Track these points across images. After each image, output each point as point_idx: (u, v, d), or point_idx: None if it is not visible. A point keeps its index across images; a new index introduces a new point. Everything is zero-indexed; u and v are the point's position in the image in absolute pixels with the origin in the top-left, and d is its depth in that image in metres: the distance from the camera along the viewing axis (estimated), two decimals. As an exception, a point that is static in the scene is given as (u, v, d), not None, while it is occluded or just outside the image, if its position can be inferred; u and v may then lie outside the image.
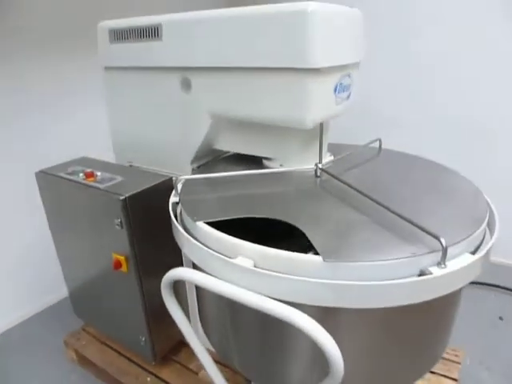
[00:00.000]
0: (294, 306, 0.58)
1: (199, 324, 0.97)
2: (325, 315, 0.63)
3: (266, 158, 1.00)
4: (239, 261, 0.63)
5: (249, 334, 0.77)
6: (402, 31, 1.76)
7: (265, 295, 0.60)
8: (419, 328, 0.71)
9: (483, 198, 0.81)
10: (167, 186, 0.97)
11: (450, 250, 0.60)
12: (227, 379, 0.91)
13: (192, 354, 1.22)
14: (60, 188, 1.07)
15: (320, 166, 0.89)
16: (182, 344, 1.26)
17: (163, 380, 1.17)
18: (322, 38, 0.75)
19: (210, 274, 0.66)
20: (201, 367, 1.17)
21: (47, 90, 1.48)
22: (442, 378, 1.13)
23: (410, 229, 0.64)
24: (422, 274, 0.60)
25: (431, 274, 0.59)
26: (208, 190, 0.88)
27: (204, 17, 0.87)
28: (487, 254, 0.66)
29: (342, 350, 0.56)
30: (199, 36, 0.88)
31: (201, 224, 0.72)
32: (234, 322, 0.78)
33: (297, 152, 0.94)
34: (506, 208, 1.67)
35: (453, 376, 1.14)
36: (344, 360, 0.57)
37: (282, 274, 0.60)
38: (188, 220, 0.77)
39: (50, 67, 1.47)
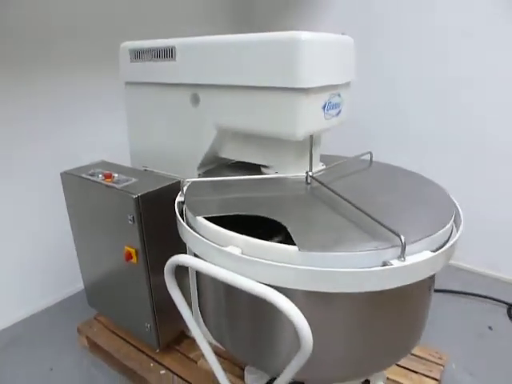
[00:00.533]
0: (276, 289, 0.69)
1: (200, 314, 1.08)
2: (304, 298, 0.74)
3: (264, 166, 1.11)
4: (229, 249, 0.75)
5: (239, 319, 0.87)
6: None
7: (250, 278, 0.71)
8: (387, 318, 0.81)
9: (453, 204, 0.91)
10: (175, 188, 1.10)
11: (411, 247, 0.70)
12: (225, 369, 1.01)
13: (193, 345, 1.35)
14: (82, 187, 1.21)
15: (310, 173, 1.00)
16: (184, 335, 1.38)
17: (165, 366, 1.27)
18: (310, 62, 0.87)
19: (207, 261, 0.77)
20: (200, 356, 1.29)
21: (77, 102, 1.65)
22: (424, 378, 1.21)
23: (379, 228, 0.74)
24: (384, 265, 0.70)
25: (391, 265, 0.69)
26: (210, 192, 1.00)
27: (211, 41, 1.01)
28: (445, 253, 0.75)
29: (316, 330, 0.67)
30: (207, 58, 1.02)
31: (200, 219, 0.84)
32: (226, 308, 0.89)
33: (290, 161, 1.05)
34: (494, 224, 1.75)
35: (434, 376, 1.21)
36: (318, 339, 0.67)
37: (265, 260, 0.71)
38: (190, 216, 0.88)
39: (78, 83, 1.64)
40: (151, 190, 1.09)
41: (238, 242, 0.76)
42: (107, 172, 1.19)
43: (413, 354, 1.29)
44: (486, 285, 1.78)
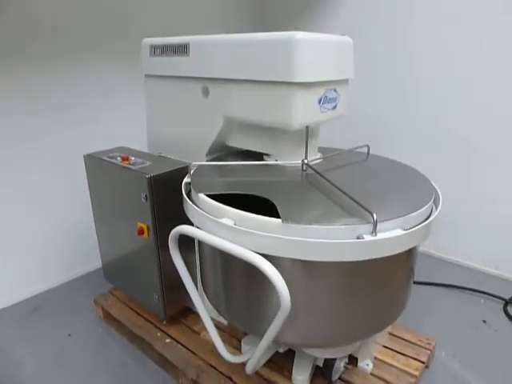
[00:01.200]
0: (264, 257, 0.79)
1: (201, 286, 1.19)
2: (288, 264, 0.84)
3: (266, 154, 1.21)
4: (224, 220, 0.85)
5: (232, 287, 0.98)
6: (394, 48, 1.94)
7: (243, 245, 0.81)
8: (364, 287, 0.89)
9: (434, 191, 0.98)
10: (184, 171, 1.20)
11: (385, 225, 0.79)
12: (224, 341, 1.12)
13: (197, 319, 1.46)
14: (102, 168, 1.35)
15: (306, 161, 1.09)
16: (189, 310, 1.49)
17: (170, 336, 1.39)
18: (304, 60, 0.96)
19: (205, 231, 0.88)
20: (203, 329, 1.40)
21: (100, 96, 1.80)
22: (411, 360, 1.28)
23: (359, 209, 0.82)
24: (357, 239, 0.79)
25: (363, 239, 0.77)
26: (213, 175, 1.11)
27: (221, 39, 1.12)
28: (415, 232, 0.83)
29: (298, 294, 0.76)
30: (216, 54, 1.13)
31: (201, 195, 0.94)
32: (222, 277, 1.00)
33: (289, 150, 1.15)
34: (493, 221, 1.79)
35: (421, 359, 1.28)
36: (301, 303, 0.76)
37: (253, 230, 0.81)
38: (194, 194, 0.99)
39: (102, 77, 1.79)
40: (163, 171, 1.21)
41: (232, 215, 0.86)
42: (125, 155, 1.32)
43: (402, 339, 1.36)
44: (483, 281, 1.82)
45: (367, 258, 0.78)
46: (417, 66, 1.90)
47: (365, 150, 1.28)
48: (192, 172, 1.12)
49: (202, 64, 1.19)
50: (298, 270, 0.86)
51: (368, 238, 0.77)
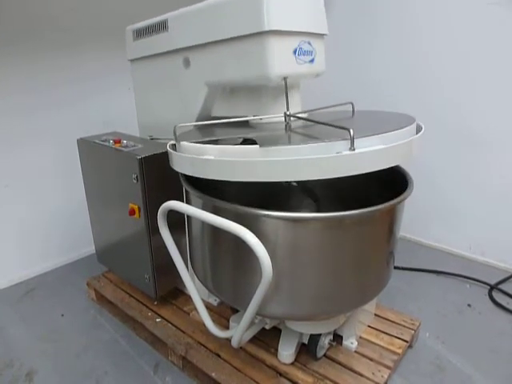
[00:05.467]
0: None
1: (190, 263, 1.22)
2: (266, 226, 0.87)
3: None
4: (205, 156, 0.89)
5: (218, 261, 1.01)
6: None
7: (225, 178, 0.85)
8: (348, 254, 0.92)
9: (415, 121, 1.00)
10: None
11: (363, 142, 0.80)
12: (213, 321, 1.15)
13: (187, 300, 1.49)
14: (95, 151, 1.38)
15: (288, 113, 1.08)
16: (179, 291, 1.53)
17: (161, 316, 1.42)
18: (274, 8, 0.97)
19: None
20: (192, 309, 1.43)
21: (95, 79, 1.82)
22: (395, 339, 1.31)
23: (338, 131, 0.83)
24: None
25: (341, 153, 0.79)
26: (198, 135, 1.12)
27: (195, 8, 1.15)
28: (394, 148, 0.84)
29: (280, 262, 0.79)
30: (192, 23, 1.16)
31: (183, 143, 0.97)
32: (208, 251, 1.03)
33: (273, 109, 1.15)
34: (480, 210, 1.83)
35: (404, 338, 1.31)
36: (283, 273, 0.79)
37: (232, 158, 0.84)
38: (178, 147, 1.01)
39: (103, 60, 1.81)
40: (153, 153, 1.24)
41: (212, 151, 0.90)
42: (117, 138, 1.34)
43: (387, 319, 1.40)
44: (470, 267, 1.86)
45: (347, 174, 0.79)
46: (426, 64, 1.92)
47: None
48: (177, 133, 1.12)
49: (180, 36, 1.22)
50: (281, 233, 0.88)
51: (346, 152, 0.79)
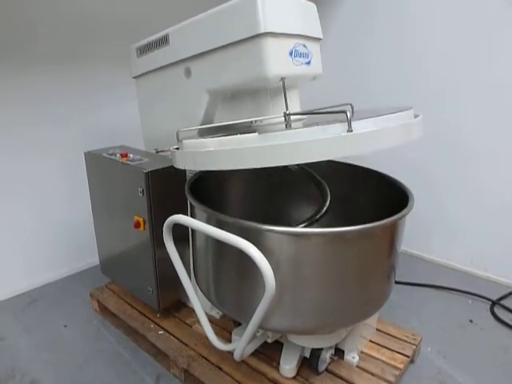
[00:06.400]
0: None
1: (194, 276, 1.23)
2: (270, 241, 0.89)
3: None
4: (205, 149, 0.91)
5: (221, 274, 1.02)
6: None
7: (227, 167, 0.87)
8: (351, 268, 0.93)
9: (412, 110, 1.00)
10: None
11: (361, 125, 0.81)
12: (216, 333, 1.16)
13: (189, 312, 1.50)
14: (102, 164, 1.40)
15: (287, 112, 1.08)
16: (182, 304, 1.54)
17: (163, 328, 1.43)
18: (268, 11, 1.01)
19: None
20: (195, 322, 1.44)
21: (100, 92, 1.86)
22: (396, 354, 1.31)
23: (336, 116, 0.85)
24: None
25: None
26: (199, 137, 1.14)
27: (195, 19, 1.19)
28: (391, 130, 0.85)
29: (283, 276, 0.80)
30: (192, 33, 1.20)
31: (184, 141, 1.00)
32: (212, 265, 1.04)
33: (273, 113, 1.16)
34: (482, 225, 1.84)
35: (406, 353, 1.31)
36: (285, 286, 0.81)
37: (233, 147, 0.86)
38: (180, 145, 1.04)
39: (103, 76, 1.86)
40: (159, 167, 1.26)
41: (213, 144, 0.92)
42: (124, 152, 1.37)
43: (388, 334, 1.40)
44: (472, 283, 1.86)
45: (345, 155, 0.81)
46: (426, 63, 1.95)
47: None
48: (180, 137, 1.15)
49: (181, 47, 1.25)
50: (284, 248, 0.90)
51: (344, 133, 0.80)
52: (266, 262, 0.81)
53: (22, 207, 1.72)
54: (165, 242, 1.04)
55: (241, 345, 1.02)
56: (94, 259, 1.90)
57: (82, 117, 1.83)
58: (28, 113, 1.66)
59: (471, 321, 1.63)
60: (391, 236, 0.99)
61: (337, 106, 1.26)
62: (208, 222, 0.98)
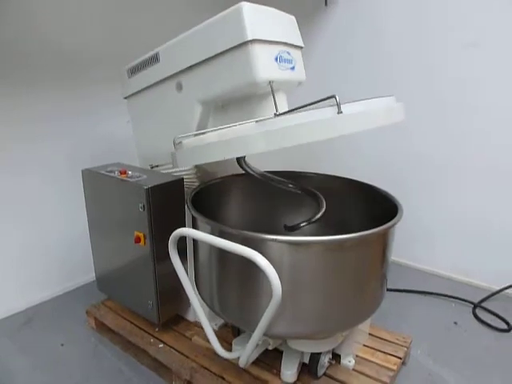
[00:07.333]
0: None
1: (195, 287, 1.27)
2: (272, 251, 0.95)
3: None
4: (207, 140, 0.98)
5: (226, 283, 1.07)
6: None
7: (228, 156, 0.94)
8: (348, 275, 1.01)
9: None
10: (178, 183, 1.35)
11: (348, 107, 0.88)
12: (218, 336, 1.20)
13: (188, 325, 1.53)
14: (100, 181, 1.44)
15: (277, 112, 1.12)
16: (180, 318, 1.56)
17: (163, 342, 1.45)
18: (253, 21, 1.08)
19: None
20: (194, 334, 1.48)
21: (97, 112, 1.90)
22: (389, 356, 1.38)
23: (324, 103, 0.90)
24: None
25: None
26: None
27: (184, 35, 1.27)
28: (376, 112, 0.94)
29: (286, 282, 0.87)
30: (182, 48, 1.28)
31: (185, 141, 1.06)
32: (216, 275, 1.09)
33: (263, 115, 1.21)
34: (463, 232, 1.95)
35: (398, 355, 1.38)
36: (289, 293, 0.86)
37: (233, 135, 0.92)
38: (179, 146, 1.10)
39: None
40: (159, 183, 1.31)
41: (212, 137, 0.99)
42: (122, 169, 1.42)
43: (381, 338, 1.47)
44: (454, 287, 1.97)
45: (337, 135, 0.87)
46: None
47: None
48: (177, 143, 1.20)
49: (171, 63, 1.32)
50: (286, 256, 0.97)
51: (334, 115, 0.87)
52: (273, 269, 0.87)
53: (15, 225, 1.72)
54: (170, 254, 1.09)
55: (247, 351, 1.06)
56: (88, 277, 1.92)
57: (77, 133, 1.86)
58: (20, 130, 1.68)
59: (456, 323, 1.72)
60: (384, 243, 1.07)
61: (322, 101, 1.32)
62: (211, 233, 1.03)
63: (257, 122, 0.92)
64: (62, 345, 1.55)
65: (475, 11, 1.77)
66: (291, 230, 1.32)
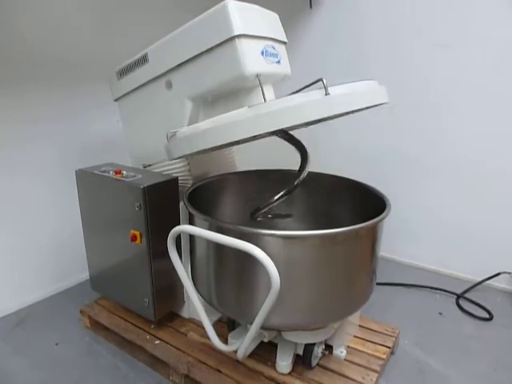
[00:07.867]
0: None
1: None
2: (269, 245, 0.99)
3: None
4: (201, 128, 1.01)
5: (223, 277, 1.11)
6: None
7: (223, 141, 0.96)
8: (340, 268, 1.06)
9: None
10: (173, 183, 1.38)
11: (334, 90, 0.93)
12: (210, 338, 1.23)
13: (183, 322, 1.56)
14: (95, 181, 1.45)
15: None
16: (174, 315, 1.59)
17: (159, 338, 1.47)
18: (239, 16, 1.13)
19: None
20: (189, 330, 1.50)
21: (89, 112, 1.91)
22: (379, 346, 1.44)
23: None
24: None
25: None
26: None
27: (170, 36, 1.30)
28: (361, 94, 0.98)
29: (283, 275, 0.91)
30: (170, 47, 1.30)
31: (179, 131, 1.09)
32: (214, 269, 1.13)
33: None
34: (444, 227, 2.04)
35: (387, 345, 1.44)
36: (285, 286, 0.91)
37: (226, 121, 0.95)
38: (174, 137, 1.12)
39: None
40: (154, 182, 1.33)
41: (206, 124, 1.01)
42: (117, 169, 1.43)
43: (370, 329, 1.53)
44: (438, 280, 2.05)
45: (326, 115, 0.93)
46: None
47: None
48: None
49: (160, 62, 1.35)
50: (282, 249, 1.01)
51: (322, 97, 0.91)
52: (271, 261, 0.91)
53: (6, 226, 1.71)
54: (169, 251, 1.12)
55: (245, 343, 1.10)
56: (80, 276, 1.93)
57: (66, 135, 1.86)
58: (11, 131, 1.67)
59: (440, 313, 1.79)
60: (373, 238, 1.12)
61: (309, 85, 1.28)
62: (209, 229, 1.07)
63: (249, 107, 0.95)
64: (57, 344, 1.56)
65: (448, 12, 1.86)
66: (254, 215, 1.35)
